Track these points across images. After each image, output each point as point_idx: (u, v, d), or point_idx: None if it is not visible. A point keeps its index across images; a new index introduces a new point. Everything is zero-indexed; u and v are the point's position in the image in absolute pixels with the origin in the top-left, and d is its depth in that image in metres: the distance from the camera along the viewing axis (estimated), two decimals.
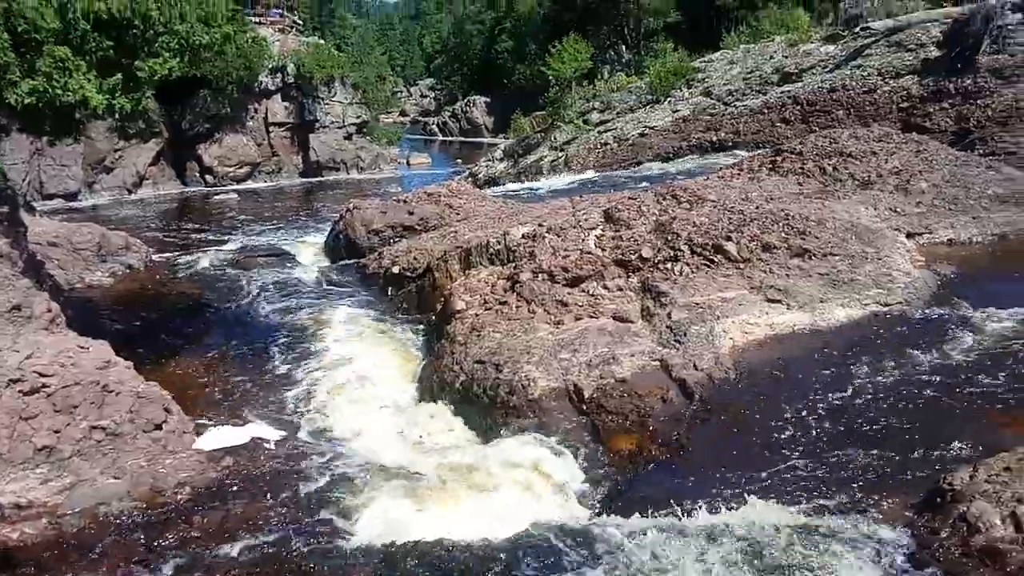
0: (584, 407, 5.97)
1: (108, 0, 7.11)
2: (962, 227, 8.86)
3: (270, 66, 33.50)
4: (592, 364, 6.41)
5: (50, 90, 6.79)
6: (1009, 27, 17.03)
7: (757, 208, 8.87)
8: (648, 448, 5.26)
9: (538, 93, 34.61)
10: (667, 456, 5.07)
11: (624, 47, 47.13)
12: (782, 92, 20.52)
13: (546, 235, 9.20)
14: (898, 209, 9.38)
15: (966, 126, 16.99)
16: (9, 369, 5.30)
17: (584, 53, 31.89)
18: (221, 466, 5.70)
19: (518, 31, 58.43)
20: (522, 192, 18.88)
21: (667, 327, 6.87)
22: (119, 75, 7.35)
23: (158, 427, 5.92)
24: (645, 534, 3.97)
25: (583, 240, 8.80)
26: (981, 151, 15.30)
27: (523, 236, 9.40)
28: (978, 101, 17.04)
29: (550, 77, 30.48)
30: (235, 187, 31.34)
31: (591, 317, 7.41)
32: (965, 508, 3.41)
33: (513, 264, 8.81)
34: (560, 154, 23.77)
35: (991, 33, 17.18)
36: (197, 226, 21.35)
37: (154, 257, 13.88)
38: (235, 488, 5.37)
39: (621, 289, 7.87)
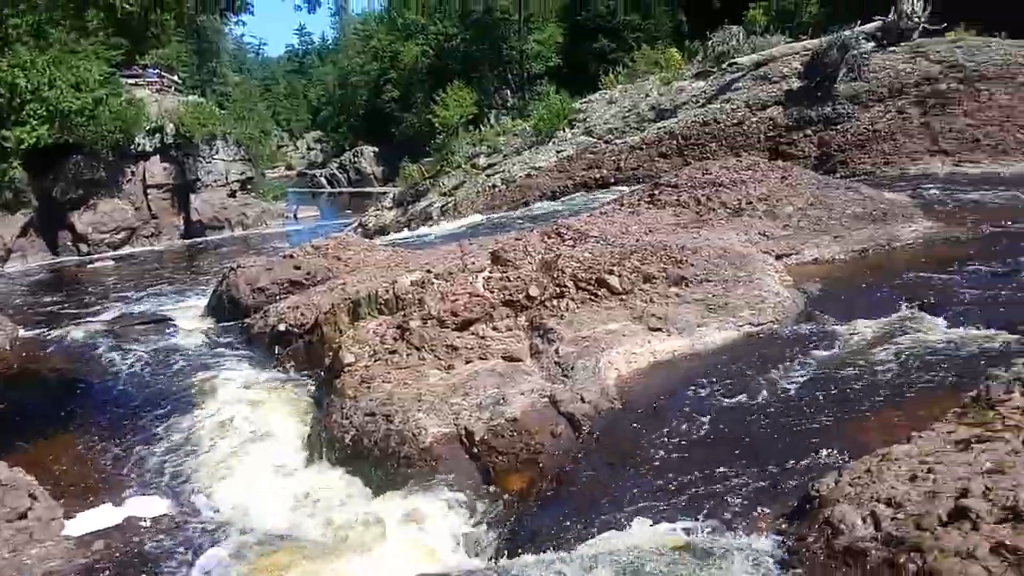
0: (476, 450, 5.90)
1: None
2: (825, 246, 9.36)
3: (147, 127, 32.54)
4: (483, 406, 6.36)
5: None
6: (864, 55, 18.36)
7: (637, 241, 9.13)
8: (538, 485, 5.24)
9: (426, 141, 34.83)
10: (556, 491, 5.06)
11: (509, 92, 48.31)
12: (659, 128, 21.30)
13: (434, 281, 9.16)
14: (767, 233, 9.85)
15: (827, 151, 18.13)
16: None
17: (469, 99, 32.44)
18: (92, 551, 5.33)
19: (403, 81, 58.96)
20: (412, 239, 18.82)
21: (555, 363, 6.91)
22: None
23: (22, 516, 5.62)
24: (528, 573, 3.92)
25: (471, 283, 8.80)
26: (841, 173, 16.36)
27: (411, 283, 9.33)
28: (837, 127, 18.25)
29: (437, 124, 30.76)
30: (111, 254, 30.09)
31: (481, 359, 7.38)
32: (830, 512, 3.54)
33: (402, 312, 8.71)
34: (449, 199, 23.87)
35: (847, 62, 18.45)
36: (70, 298, 20.28)
37: (21, 333, 13.04)
38: (106, 573, 5.02)
39: (510, 329, 7.90)
